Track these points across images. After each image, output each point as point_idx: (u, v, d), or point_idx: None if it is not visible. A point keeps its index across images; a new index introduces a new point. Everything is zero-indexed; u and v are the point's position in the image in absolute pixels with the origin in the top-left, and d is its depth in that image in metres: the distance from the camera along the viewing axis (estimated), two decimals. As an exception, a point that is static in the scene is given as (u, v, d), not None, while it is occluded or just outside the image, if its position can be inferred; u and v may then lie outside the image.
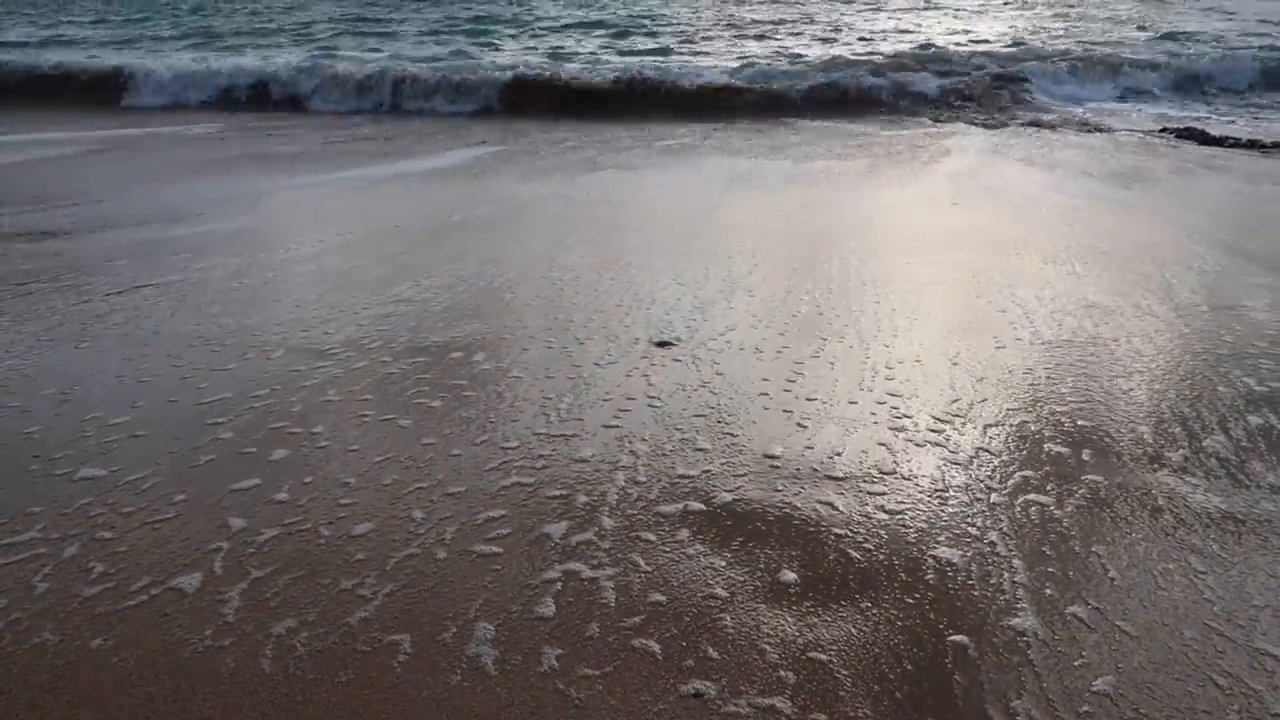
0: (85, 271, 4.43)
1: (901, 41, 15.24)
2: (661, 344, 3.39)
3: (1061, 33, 16.64)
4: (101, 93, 12.15)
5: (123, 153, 8.36)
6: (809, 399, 2.92)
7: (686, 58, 14.23)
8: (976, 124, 9.55)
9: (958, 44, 14.67)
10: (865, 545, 2.17)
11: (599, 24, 19.68)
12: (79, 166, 7.63)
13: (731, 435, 2.70)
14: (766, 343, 3.40)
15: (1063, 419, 2.77)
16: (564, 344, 3.41)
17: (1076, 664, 1.78)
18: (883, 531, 2.22)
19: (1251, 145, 7.88)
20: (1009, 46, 14.09)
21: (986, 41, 15.15)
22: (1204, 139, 8.19)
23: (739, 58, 13.66)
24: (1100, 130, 8.98)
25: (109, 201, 6.04)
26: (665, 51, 15.14)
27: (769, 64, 12.70)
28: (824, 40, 16.26)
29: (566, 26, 19.58)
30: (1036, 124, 9.39)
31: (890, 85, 11.07)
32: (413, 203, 6.10)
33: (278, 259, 4.63)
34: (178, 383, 3.11)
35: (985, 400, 2.90)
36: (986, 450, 2.59)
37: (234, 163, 7.71)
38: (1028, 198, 6.02)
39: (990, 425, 2.74)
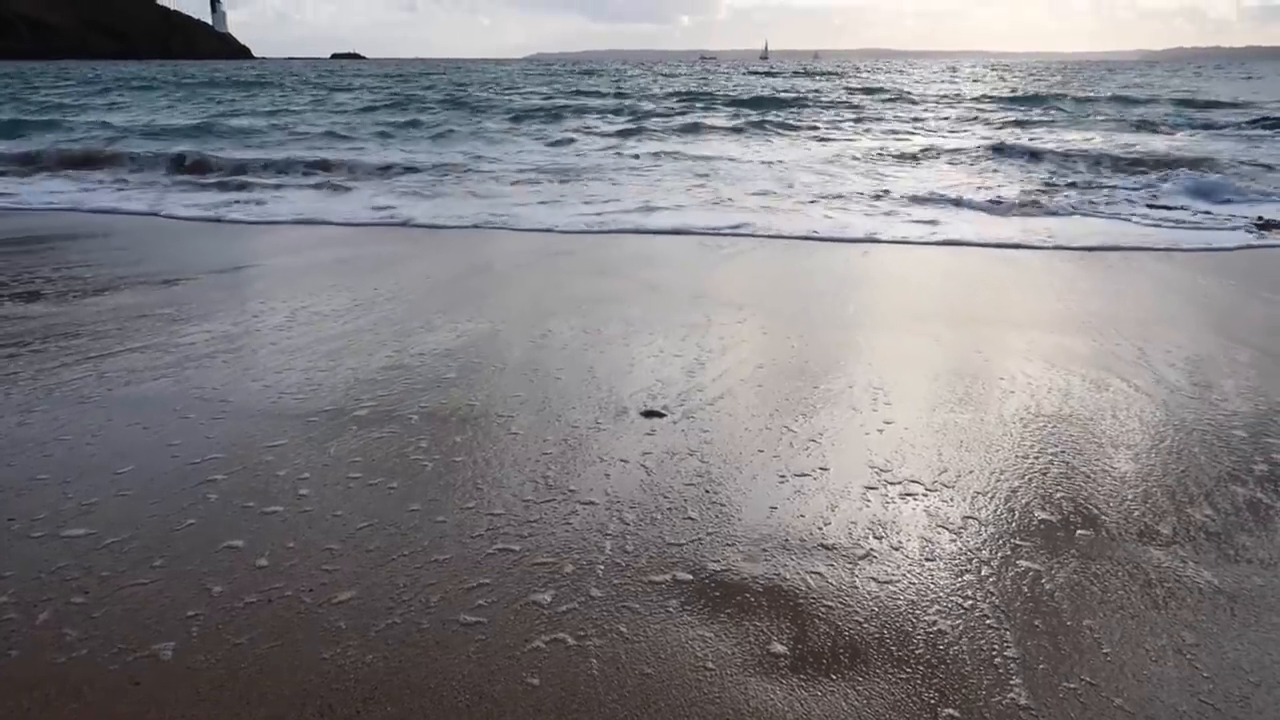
0: (73, 334, 4.42)
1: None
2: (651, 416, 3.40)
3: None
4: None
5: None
6: (800, 468, 2.92)
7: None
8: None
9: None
10: (856, 617, 2.14)
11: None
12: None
13: (720, 505, 2.68)
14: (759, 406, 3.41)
15: (1054, 491, 2.77)
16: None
17: (1072, 741, 1.74)
18: (873, 603, 2.19)
19: None
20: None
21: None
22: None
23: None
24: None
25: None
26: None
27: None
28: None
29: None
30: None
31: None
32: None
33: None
34: (167, 443, 3.08)
35: (973, 471, 2.90)
36: (976, 520, 2.58)
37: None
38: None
39: (980, 494, 2.73)
